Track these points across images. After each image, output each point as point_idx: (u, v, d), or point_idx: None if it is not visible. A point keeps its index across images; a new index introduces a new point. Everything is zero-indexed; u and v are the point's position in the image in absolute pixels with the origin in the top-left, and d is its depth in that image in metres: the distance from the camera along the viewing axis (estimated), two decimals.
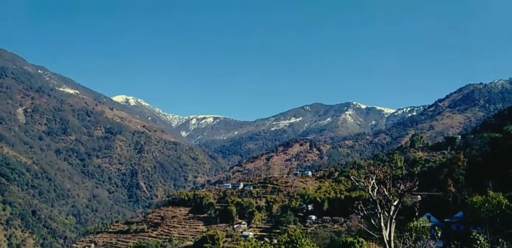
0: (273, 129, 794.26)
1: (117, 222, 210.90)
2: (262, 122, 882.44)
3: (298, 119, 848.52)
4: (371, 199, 18.59)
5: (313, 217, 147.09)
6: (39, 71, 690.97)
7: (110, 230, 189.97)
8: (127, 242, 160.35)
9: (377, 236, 19.93)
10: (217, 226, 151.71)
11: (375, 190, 18.69)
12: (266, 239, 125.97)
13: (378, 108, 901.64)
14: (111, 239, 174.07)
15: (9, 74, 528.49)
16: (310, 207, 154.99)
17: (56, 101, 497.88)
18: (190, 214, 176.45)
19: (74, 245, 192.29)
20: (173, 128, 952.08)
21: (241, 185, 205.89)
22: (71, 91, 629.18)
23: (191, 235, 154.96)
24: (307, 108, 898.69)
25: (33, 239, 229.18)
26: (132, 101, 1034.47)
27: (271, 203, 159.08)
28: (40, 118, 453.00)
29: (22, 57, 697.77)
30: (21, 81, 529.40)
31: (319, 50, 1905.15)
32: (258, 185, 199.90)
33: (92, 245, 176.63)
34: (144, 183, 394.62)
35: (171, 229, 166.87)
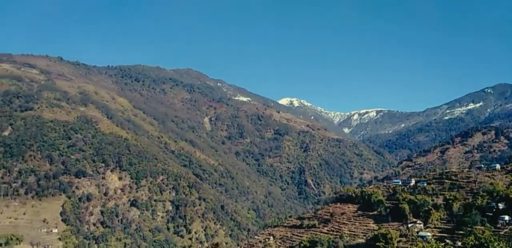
0: (446, 118, 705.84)
1: (290, 217, 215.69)
2: (432, 112, 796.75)
3: (477, 105, 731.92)
4: None
5: (506, 217, 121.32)
6: (218, 84, 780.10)
7: (285, 224, 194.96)
8: (300, 236, 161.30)
9: None
10: (388, 225, 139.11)
11: None
12: (447, 241, 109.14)
13: None
14: (286, 233, 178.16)
15: (196, 89, 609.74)
16: (501, 205, 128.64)
17: (233, 109, 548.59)
18: (358, 211, 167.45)
19: (256, 237, 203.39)
20: (336, 125, 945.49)
21: (413, 181, 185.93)
22: (245, 99, 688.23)
23: (362, 232, 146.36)
24: (489, 90, 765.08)
25: (223, 231, 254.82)
26: (295, 103, 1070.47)
27: (450, 201, 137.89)
28: (221, 125, 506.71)
29: (205, 74, 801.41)
30: (205, 94, 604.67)
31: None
32: (433, 181, 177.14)
33: (271, 237, 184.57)
34: (312, 180, 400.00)
35: (341, 225, 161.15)
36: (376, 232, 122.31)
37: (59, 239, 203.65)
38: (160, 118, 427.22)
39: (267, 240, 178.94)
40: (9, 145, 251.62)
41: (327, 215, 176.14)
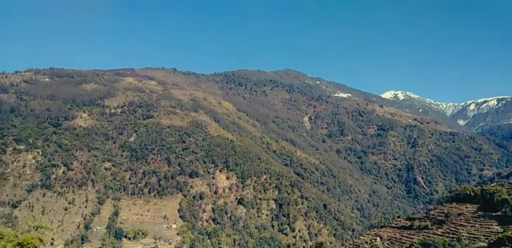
0: None
1: (398, 217, 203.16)
2: None
3: None
4: None
5: None
6: (317, 82, 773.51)
7: (393, 225, 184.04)
8: (411, 238, 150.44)
9: None
10: None
11: None
12: None
13: None
14: (395, 234, 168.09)
15: (295, 89, 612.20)
16: None
17: (333, 106, 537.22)
18: (478, 212, 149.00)
19: (361, 237, 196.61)
20: (448, 118, 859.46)
21: None
22: (344, 95, 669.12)
23: (483, 235, 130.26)
24: None
25: (327, 230, 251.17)
26: (400, 96, 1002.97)
27: None
28: (321, 123, 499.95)
29: (303, 73, 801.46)
30: (304, 93, 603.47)
31: None
32: None
33: (378, 238, 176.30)
34: (422, 178, 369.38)
35: (458, 227, 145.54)
36: (500, 235, 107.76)
37: (178, 234, 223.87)
38: (262, 119, 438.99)
39: (373, 241, 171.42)
40: (134, 150, 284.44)
41: (441, 216, 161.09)
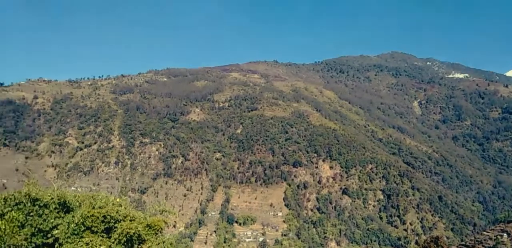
0: None
1: None
2: None
3: None
4: None
5: None
6: (427, 63, 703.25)
7: None
8: None
9: None
10: None
11: None
12: None
13: None
14: None
15: (402, 72, 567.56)
16: None
17: (447, 89, 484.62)
18: None
19: (484, 233, 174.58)
20: None
21: None
22: (461, 76, 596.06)
23: None
24: None
25: (443, 224, 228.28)
26: None
27: None
28: (434, 107, 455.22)
29: (411, 54, 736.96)
30: (413, 76, 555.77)
31: None
32: None
33: (504, 235, 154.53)
34: None
35: None
36: None
37: (284, 221, 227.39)
38: (366, 106, 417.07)
39: (499, 237, 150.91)
40: (241, 141, 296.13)
41: None
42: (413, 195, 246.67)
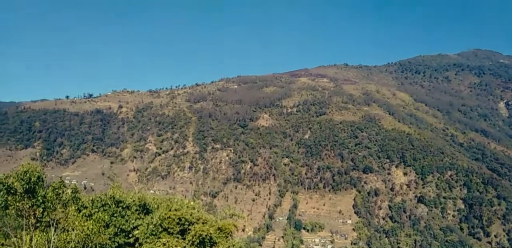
0: None
1: None
2: None
3: None
4: None
5: None
6: None
7: None
8: None
9: None
10: None
11: None
12: None
13: None
14: None
15: (486, 71, 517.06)
16: None
17: None
18: None
19: None
20: None
21: None
22: None
23: None
24: None
25: None
26: None
27: None
28: None
29: (496, 51, 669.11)
30: (498, 75, 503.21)
31: None
32: None
33: None
34: None
35: None
36: None
37: (353, 229, 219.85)
38: (445, 108, 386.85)
39: None
40: (309, 146, 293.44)
41: None
42: (499, 204, 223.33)
